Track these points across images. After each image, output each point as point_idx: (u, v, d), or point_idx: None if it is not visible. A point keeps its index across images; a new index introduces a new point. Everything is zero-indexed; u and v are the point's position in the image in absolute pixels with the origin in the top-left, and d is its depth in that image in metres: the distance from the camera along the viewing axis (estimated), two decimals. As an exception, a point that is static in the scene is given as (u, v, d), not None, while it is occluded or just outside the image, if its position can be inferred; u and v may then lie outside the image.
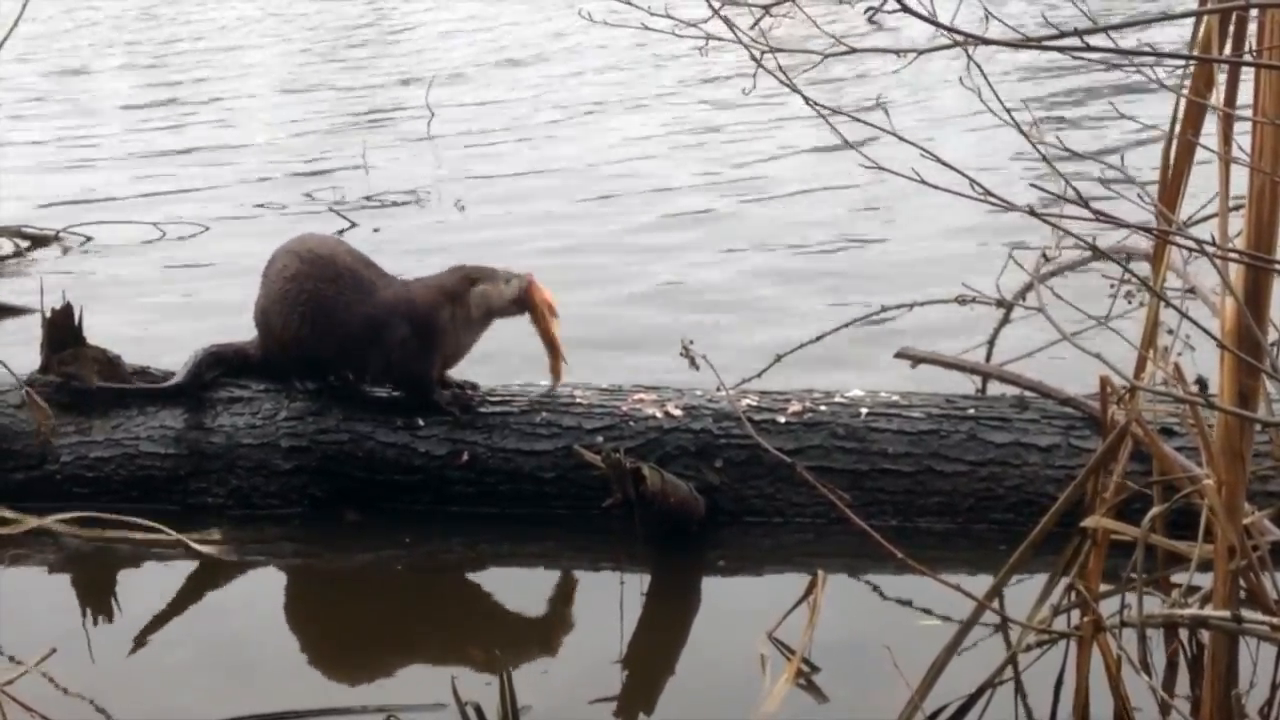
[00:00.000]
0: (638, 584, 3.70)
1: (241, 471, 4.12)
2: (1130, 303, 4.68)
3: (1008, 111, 2.14)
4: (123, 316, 5.73)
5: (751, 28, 2.21)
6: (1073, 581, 2.87)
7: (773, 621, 3.37)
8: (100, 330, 4.37)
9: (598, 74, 11.39)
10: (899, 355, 4.29)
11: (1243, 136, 2.44)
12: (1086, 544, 2.86)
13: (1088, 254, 4.59)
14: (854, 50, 2.02)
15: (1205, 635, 2.75)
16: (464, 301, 4.07)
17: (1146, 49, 1.89)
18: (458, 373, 4.23)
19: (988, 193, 1.99)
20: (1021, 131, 2.09)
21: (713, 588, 3.81)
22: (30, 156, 9.55)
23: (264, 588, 3.92)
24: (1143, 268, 3.89)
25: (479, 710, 2.90)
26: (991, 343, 4.62)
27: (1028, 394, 4.06)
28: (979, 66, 1.98)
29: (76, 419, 4.20)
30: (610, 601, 3.56)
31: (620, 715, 3.19)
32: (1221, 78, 2.68)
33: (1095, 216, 2.04)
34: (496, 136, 9.29)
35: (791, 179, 7.79)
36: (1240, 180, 2.48)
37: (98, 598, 3.85)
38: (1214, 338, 2.34)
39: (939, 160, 2.03)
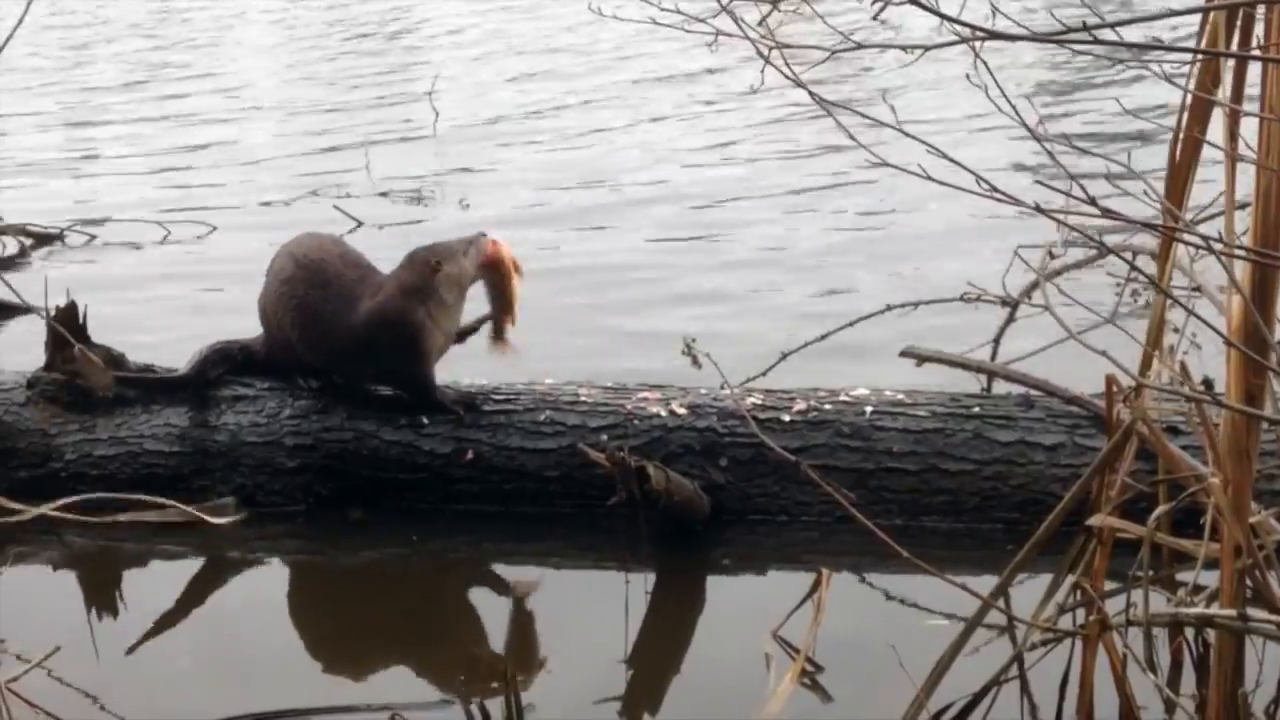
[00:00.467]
0: (642, 583, 3.69)
1: (246, 469, 4.12)
2: (1136, 301, 4.68)
3: (1014, 109, 2.13)
4: (127, 315, 5.72)
5: (759, 24, 2.20)
6: (1078, 580, 2.87)
7: (777, 620, 3.37)
8: (104, 329, 4.36)
9: (607, 71, 11.38)
10: (904, 354, 4.28)
11: (1250, 134, 2.43)
12: (1092, 543, 2.86)
13: (1094, 252, 4.58)
14: (861, 46, 2.02)
15: (1211, 634, 2.75)
16: (433, 293, 4.01)
17: (1153, 44, 1.88)
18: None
19: (994, 189, 1.99)
20: (1028, 128, 2.08)
21: (717, 587, 3.81)
22: (32, 153, 9.56)
23: (268, 585, 3.91)
24: (1149, 265, 3.88)
25: (484, 709, 2.90)
26: (997, 341, 4.62)
27: (1033, 393, 4.06)
28: (985, 63, 1.98)
29: (80, 417, 4.19)
30: (615, 600, 3.55)
31: (625, 714, 3.18)
32: (1228, 74, 2.67)
33: (1102, 214, 2.03)
34: (502, 134, 9.29)
35: (792, 177, 7.79)
36: (1248, 178, 2.48)
37: (102, 595, 3.85)
38: (1221, 335, 2.34)
39: (947, 157, 2.02)
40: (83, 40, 15.43)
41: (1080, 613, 2.89)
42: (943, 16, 1.87)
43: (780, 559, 3.86)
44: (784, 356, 4.72)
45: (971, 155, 2.52)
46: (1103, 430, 3.69)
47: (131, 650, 3.52)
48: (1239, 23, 2.59)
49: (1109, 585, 2.99)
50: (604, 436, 3.95)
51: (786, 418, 3.98)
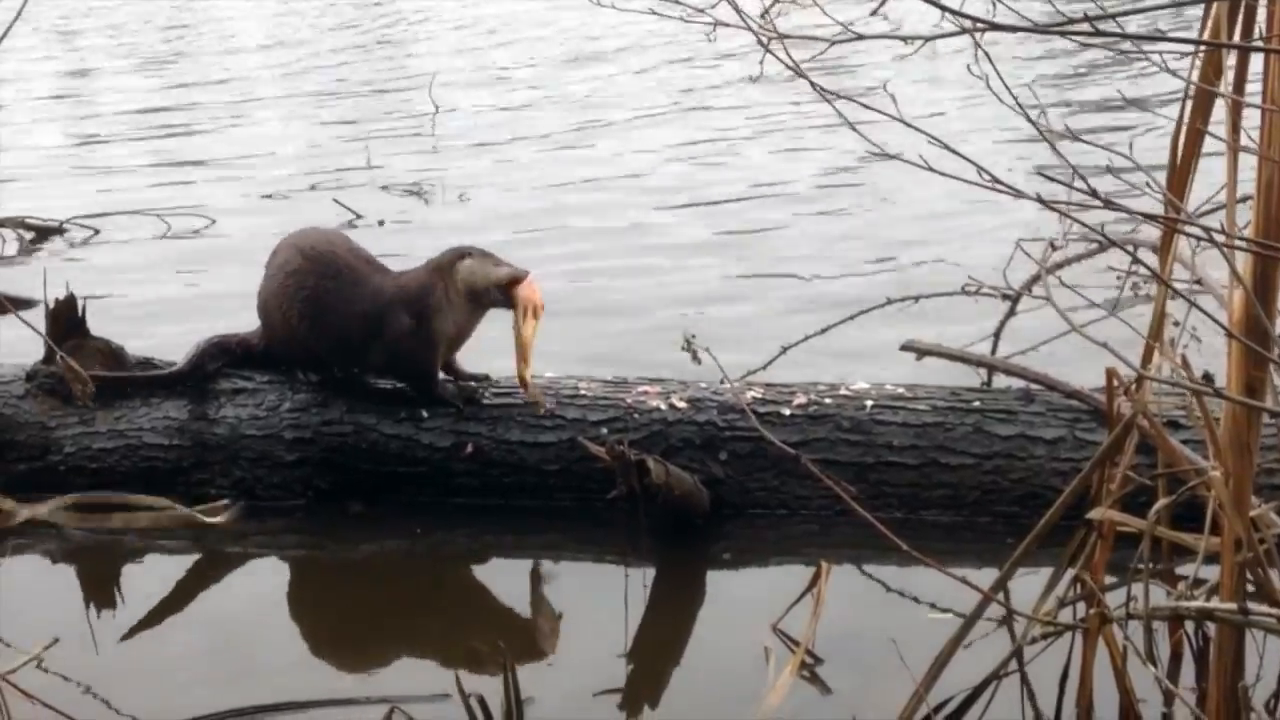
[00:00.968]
0: (642, 576, 3.69)
1: (245, 463, 4.11)
2: (1137, 294, 4.67)
3: (1015, 100, 2.12)
4: (127, 308, 5.72)
5: (762, 16, 2.20)
6: (1078, 574, 2.86)
7: (777, 613, 3.37)
8: (104, 322, 4.36)
9: (607, 65, 11.37)
10: (905, 348, 4.28)
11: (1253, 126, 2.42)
12: (1092, 536, 2.85)
13: (1095, 245, 4.58)
14: (861, 37, 2.01)
15: (1211, 628, 2.74)
16: (452, 275, 4.02)
17: (1155, 35, 1.87)
18: (471, 365, 4.20)
19: (995, 180, 1.98)
20: (1029, 119, 2.08)
21: (717, 580, 3.81)
22: (33, 150, 9.55)
23: (267, 579, 3.91)
24: (1150, 258, 3.88)
25: (483, 702, 2.90)
26: (997, 335, 4.62)
27: (1034, 386, 4.05)
28: (986, 53, 1.97)
29: (79, 410, 4.19)
30: (615, 593, 3.55)
31: (625, 707, 3.18)
32: (1231, 66, 2.66)
33: (1104, 205, 2.03)
34: (502, 130, 9.28)
35: (784, 167, 7.79)
36: (1249, 170, 2.47)
37: (100, 588, 3.85)
38: (1223, 327, 2.33)
39: (947, 147, 2.02)
40: (82, 35, 15.42)
41: (1080, 606, 2.88)
42: (943, 8, 1.86)
43: (780, 552, 3.86)
44: (784, 350, 4.72)
45: (972, 148, 2.51)
46: (1103, 424, 3.68)
47: (130, 643, 3.51)
48: (1241, 14, 2.59)
49: (1109, 579, 2.99)
50: (604, 430, 3.95)
51: (786, 411, 3.98)
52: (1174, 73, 2.20)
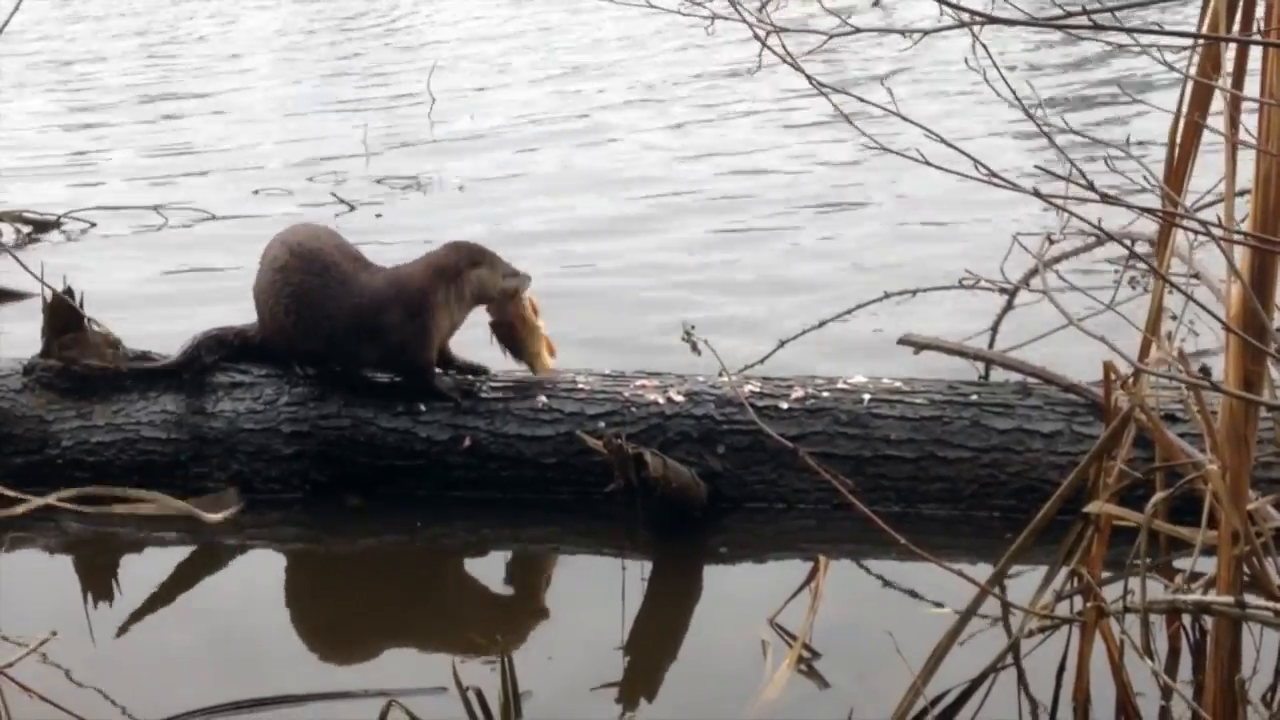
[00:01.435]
0: (639, 570, 3.69)
1: (243, 456, 4.11)
2: (1135, 288, 4.67)
3: (1014, 94, 2.12)
4: (124, 301, 5.72)
5: (760, 9, 2.19)
6: (1075, 567, 2.86)
7: (774, 607, 3.37)
8: (101, 315, 4.35)
9: (604, 56, 11.36)
10: (902, 341, 4.28)
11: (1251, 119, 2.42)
12: (1089, 530, 2.85)
13: (1092, 238, 4.58)
14: (859, 30, 2.01)
15: (1208, 621, 2.74)
16: (460, 281, 4.03)
17: (1153, 28, 1.87)
18: (474, 356, 4.21)
19: (992, 174, 1.98)
20: (1027, 113, 2.08)
21: (715, 574, 3.81)
22: (29, 140, 9.54)
23: (265, 572, 3.91)
24: (1148, 251, 3.87)
25: (480, 695, 2.90)
26: (995, 329, 4.62)
27: (1031, 380, 4.05)
28: (984, 46, 1.97)
29: (77, 403, 4.19)
30: (612, 587, 3.55)
31: (622, 701, 3.18)
32: (1229, 60, 2.66)
33: (1101, 199, 2.02)
34: (499, 121, 9.27)
35: (785, 162, 7.78)
36: (1248, 164, 2.47)
37: (99, 580, 3.85)
38: (1220, 320, 2.33)
39: (944, 141, 2.02)
40: (81, 32, 15.39)
41: (1077, 600, 2.88)
42: (942, 1, 1.86)
43: (778, 546, 3.86)
44: (782, 344, 4.72)
45: (969, 142, 2.51)
46: (1100, 417, 3.68)
47: (126, 635, 3.51)
48: (1240, 7, 2.58)
49: (1106, 572, 2.99)
50: (602, 424, 3.95)
51: (784, 405, 3.98)
52: (1172, 66, 2.19)
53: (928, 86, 9.11)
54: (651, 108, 9.52)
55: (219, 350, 4.24)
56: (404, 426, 4.08)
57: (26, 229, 7.09)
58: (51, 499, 4.01)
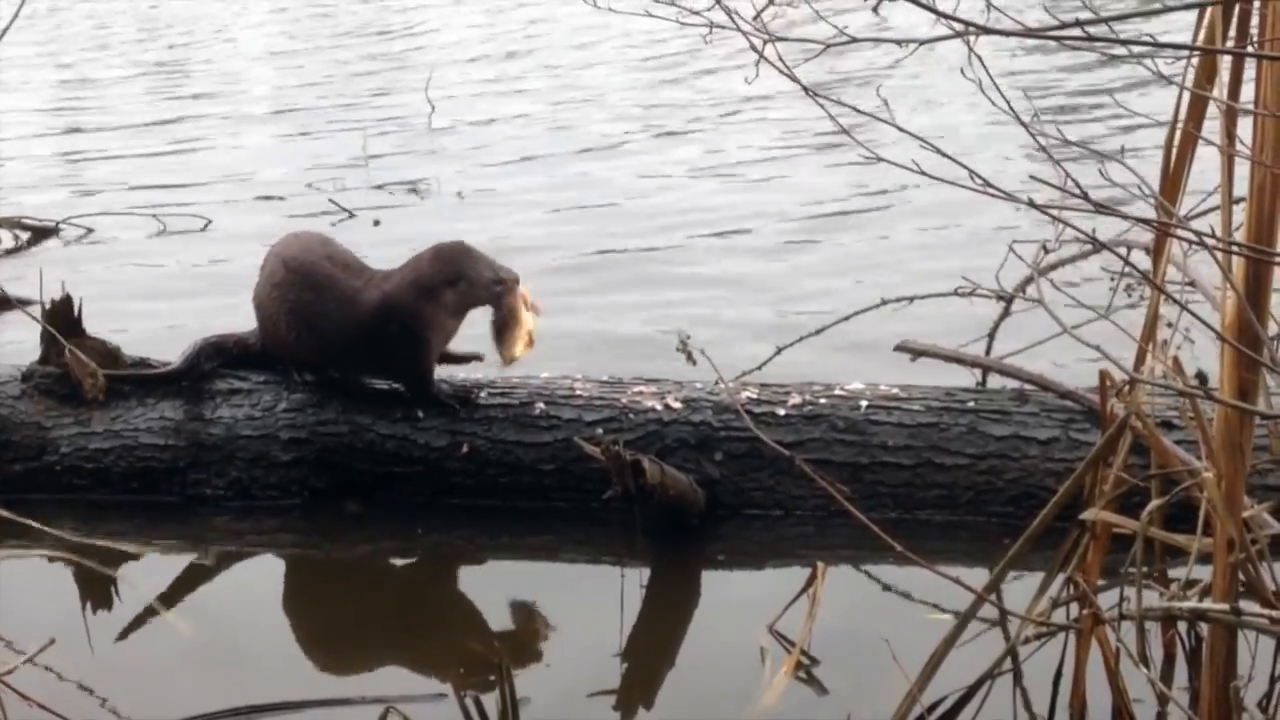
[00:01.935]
0: (637, 577, 3.70)
1: (241, 463, 4.12)
2: (1130, 296, 4.68)
3: (1009, 104, 2.13)
4: (123, 308, 5.72)
5: (755, 18, 2.20)
6: (1071, 574, 2.87)
7: (772, 614, 3.37)
8: (100, 322, 4.36)
9: (603, 64, 11.38)
10: (899, 348, 4.29)
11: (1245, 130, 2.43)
12: (1085, 537, 2.86)
13: (1088, 247, 4.59)
14: (855, 40, 2.02)
15: (1204, 628, 2.75)
16: (442, 298, 4.01)
17: (1147, 40, 1.88)
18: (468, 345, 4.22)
19: (987, 184, 1.99)
20: (1022, 123, 2.09)
21: (712, 580, 3.81)
22: (31, 150, 9.54)
23: (263, 579, 3.92)
24: (1143, 261, 3.89)
25: (478, 702, 2.90)
26: (991, 336, 4.63)
27: (1028, 387, 4.06)
28: (979, 57, 1.98)
29: (76, 410, 4.19)
30: (610, 594, 3.56)
31: (620, 707, 3.19)
32: (1224, 71, 2.67)
33: (1096, 209, 2.04)
34: (498, 128, 9.28)
35: (780, 167, 7.79)
36: (1242, 174, 2.48)
37: (97, 588, 3.85)
38: (1215, 330, 2.34)
39: (940, 152, 2.03)
40: (80, 35, 15.40)
41: (1074, 607, 2.89)
42: (937, 13, 1.87)
43: (775, 553, 3.86)
44: (779, 351, 4.73)
45: (966, 152, 2.52)
46: (1097, 425, 3.70)
47: (125, 642, 3.52)
48: (1235, 19, 2.60)
49: (1102, 580, 3.00)
50: (599, 430, 3.96)
51: (781, 412, 3.99)
52: (1168, 78, 2.21)
53: (929, 93, 9.13)
54: (652, 114, 9.53)
55: (218, 358, 4.25)
56: (402, 433, 4.09)
57: (25, 235, 7.09)
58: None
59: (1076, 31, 1.79)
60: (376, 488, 4.10)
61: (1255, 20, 2.53)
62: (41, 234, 7.11)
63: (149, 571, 3.90)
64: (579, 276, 6.10)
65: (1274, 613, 2.54)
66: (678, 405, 4.02)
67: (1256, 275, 2.44)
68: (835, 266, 6.17)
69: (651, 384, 4.12)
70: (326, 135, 9.40)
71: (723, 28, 2.26)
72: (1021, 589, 3.15)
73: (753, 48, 2.10)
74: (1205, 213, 3.94)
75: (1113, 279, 4.66)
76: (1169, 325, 3.67)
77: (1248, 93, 2.57)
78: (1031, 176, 2.10)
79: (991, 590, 2.75)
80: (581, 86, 10.57)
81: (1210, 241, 2.10)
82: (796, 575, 3.46)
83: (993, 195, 2.02)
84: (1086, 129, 7.97)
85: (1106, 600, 2.91)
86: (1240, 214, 2.49)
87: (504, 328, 4.00)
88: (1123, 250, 4.09)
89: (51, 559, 3.97)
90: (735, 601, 3.66)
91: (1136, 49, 1.95)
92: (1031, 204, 2.01)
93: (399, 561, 3.99)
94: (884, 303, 4.97)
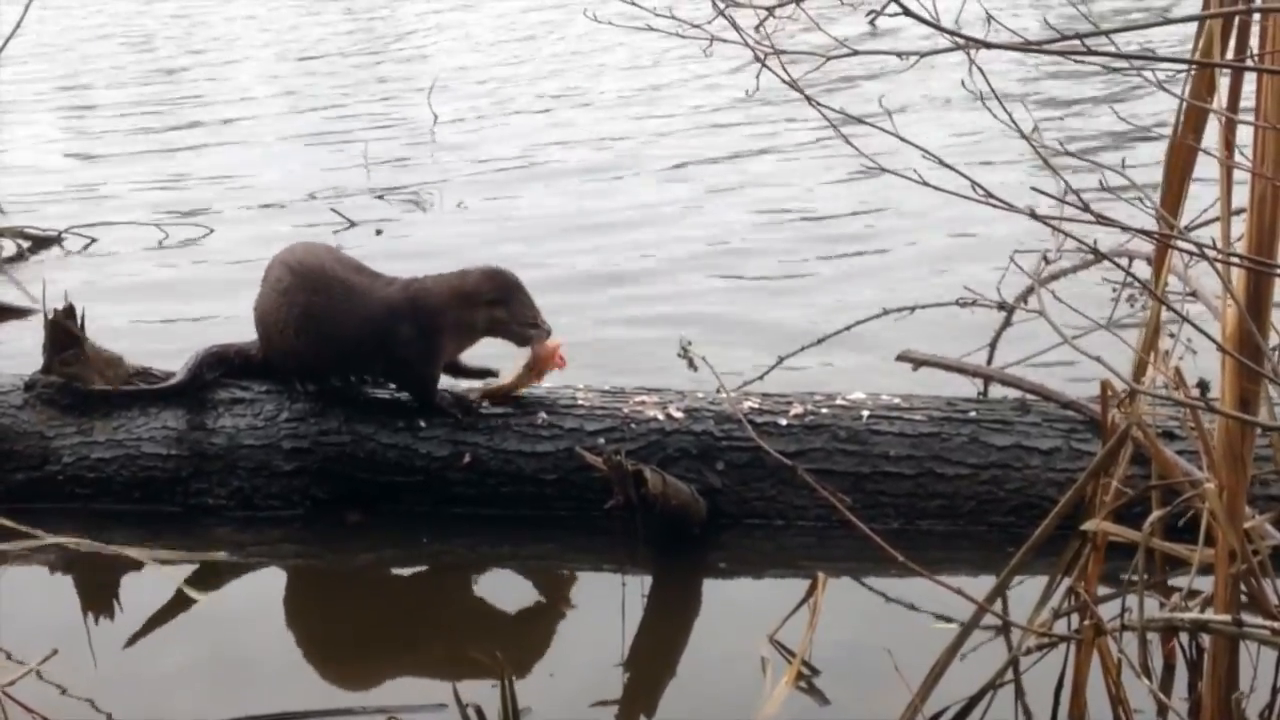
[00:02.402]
0: (639, 586, 3.70)
1: (243, 472, 4.12)
2: (1132, 306, 4.69)
3: (1010, 116, 2.14)
4: (125, 317, 5.73)
5: (755, 29, 2.21)
6: (1073, 585, 2.87)
7: (774, 624, 3.37)
8: (101, 331, 4.37)
9: (605, 73, 11.39)
10: (901, 358, 4.30)
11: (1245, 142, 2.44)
12: (1087, 547, 2.87)
13: (1089, 257, 4.60)
14: (857, 52, 2.03)
15: (1205, 639, 2.75)
16: (476, 311, 4.04)
17: (1147, 53, 1.89)
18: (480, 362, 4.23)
19: (989, 194, 2.00)
20: (1023, 135, 2.09)
21: (714, 590, 3.81)
22: (33, 158, 9.56)
23: (265, 589, 3.92)
24: (1144, 271, 3.89)
25: (480, 712, 2.90)
26: (993, 346, 4.63)
27: (1029, 397, 4.07)
28: (980, 69, 1.98)
29: (78, 420, 4.20)
30: (612, 603, 3.56)
31: (621, 716, 3.19)
32: (1224, 82, 2.68)
33: (1097, 220, 2.04)
34: (501, 139, 9.29)
35: (784, 177, 7.80)
36: (1243, 185, 2.49)
37: (98, 598, 3.85)
38: (1215, 342, 2.35)
39: (941, 162, 2.03)
40: (82, 43, 15.43)
41: (1075, 617, 2.89)
42: (937, 27, 1.87)
43: (777, 563, 3.87)
44: (780, 360, 4.73)
45: (967, 163, 2.53)
46: (1098, 435, 3.70)
47: (127, 653, 3.52)
48: (1234, 31, 2.60)
49: (1104, 590, 3.00)
50: (601, 440, 3.96)
51: (783, 422, 3.99)
52: (1168, 90, 2.21)
53: (929, 100, 9.14)
54: (652, 125, 9.54)
55: (220, 368, 4.26)
56: (404, 443, 4.09)
57: (27, 244, 7.10)
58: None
59: (1076, 45, 1.80)
60: (378, 497, 4.10)
61: (1254, 33, 2.54)
62: (43, 243, 7.12)
63: (150, 581, 3.89)
64: (580, 287, 6.10)
65: (1276, 624, 2.54)
66: (680, 415, 4.02)
67: (1257, 286, 2.45)
68: (837, 276, 6.17)
69: (653, 394, 4.12)
70: (329, 145, 9.41)
71: (725, 41, 2.26)
72: (1023, 599, 3.15)
73: (756, 58, 2.11)
74: (1206, 223, 3.95)
75: (1114, 290, 4.66)
76: (1170, 335, 3.68)
77: (1248, 99, 2.58)
78: (1033, 189, 2.10)
79: (993, 600, 2.75)
80: (587, 98, 10.58)
81: (1211, 252, 2.10)
82: (798, 585, 3.46)
83: (994, 206, 2.03)
84: (1087, 140, 7.98)
85: (1108, 611, 2.91)
86: (1240, 225, 2.49)
87: (527, 369, 4.03)
88: (1123, 261, 4.10)
89: (53, 569, 3.98)
90: (736, 611, 3.66)
91: (1136, 62, 1.96)
92: (1033, 215, 2.01)
93: (401, 571, 3.99)
94: (885, 312, 4.97)
